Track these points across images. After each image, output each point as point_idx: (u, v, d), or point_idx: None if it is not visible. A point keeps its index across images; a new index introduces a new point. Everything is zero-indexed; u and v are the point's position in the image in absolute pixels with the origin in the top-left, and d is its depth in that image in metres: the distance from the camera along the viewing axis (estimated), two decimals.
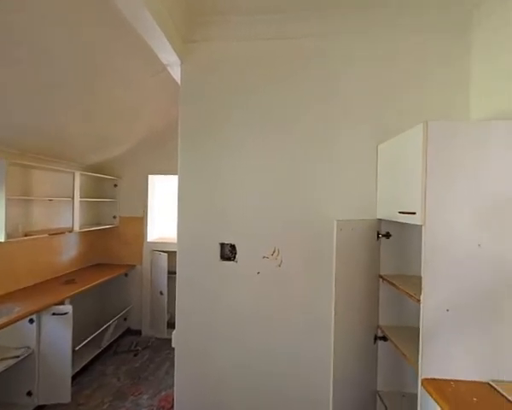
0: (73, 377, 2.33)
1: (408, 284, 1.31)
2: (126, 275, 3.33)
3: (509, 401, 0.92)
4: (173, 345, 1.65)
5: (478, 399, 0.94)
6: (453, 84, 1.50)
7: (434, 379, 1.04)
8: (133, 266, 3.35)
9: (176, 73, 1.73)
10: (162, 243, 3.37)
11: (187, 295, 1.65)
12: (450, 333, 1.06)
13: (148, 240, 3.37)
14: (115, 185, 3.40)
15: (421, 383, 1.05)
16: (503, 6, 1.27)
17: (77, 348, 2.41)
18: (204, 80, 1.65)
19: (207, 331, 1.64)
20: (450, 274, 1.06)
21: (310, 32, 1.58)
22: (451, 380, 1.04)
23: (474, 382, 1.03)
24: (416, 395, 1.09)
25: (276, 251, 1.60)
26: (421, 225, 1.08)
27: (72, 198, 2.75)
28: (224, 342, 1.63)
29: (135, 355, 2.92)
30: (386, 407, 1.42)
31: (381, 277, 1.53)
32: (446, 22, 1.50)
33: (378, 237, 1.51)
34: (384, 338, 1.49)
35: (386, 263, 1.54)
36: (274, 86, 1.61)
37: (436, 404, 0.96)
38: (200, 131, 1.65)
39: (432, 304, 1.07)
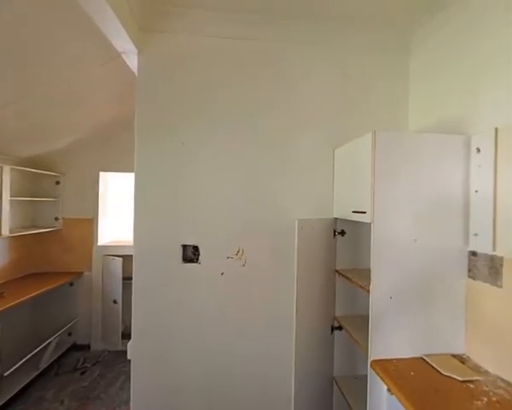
0: (3, 408, 1.99)
1: (360, 277, 1.44)
2: (72, 284, 2.96)
3: (436, 370, 1.10)
4: (129, 356, 1.53)
5: (414, 372, 1.09)
6: (396, 98, 1.71)
7: (381, 360, 1.18)
8: (80, 274, 2.99)
9: (132, 61, 1.60)
10: (116, 246, 3.08)
11: (145, 302, 1.54)
12: (393, 318, 1.20)
13: (99, 244, 3.05)
14: (57, 183, 2.99)
15: (370, 365, 1.18)
16: (438, 31, 1.49)
17: (6, 374, 2.06)
18: (164, 73, 1.57)
19: (168, 338, 1.55)
20: (392, 266, 1.21)
21: (274, 37, 1.62)
22: (394, 359, 1.18)
23: (412, 358, 1.19)
24: (366, 376, 1.21)
25: (241, 251, 1.61)
26: (370, 223, 1.21)
27: (0, 197, 2.32)
28: (187, 347, 1.57)
29: (82, 373, 2.61)
30: (341, 390, 1.55)
31: (337, 271, 1.65)
32: (389, 43, 1.70)
33: (334, 234, 1.63)
34: (340, 328, 1.62)
35: (342, 258, 1.67)
36: (237, 87, 1.61)
37: (382, 381, 1.09)
38: (160, 126, 1.56)
39: (379, 293, 1.20)
